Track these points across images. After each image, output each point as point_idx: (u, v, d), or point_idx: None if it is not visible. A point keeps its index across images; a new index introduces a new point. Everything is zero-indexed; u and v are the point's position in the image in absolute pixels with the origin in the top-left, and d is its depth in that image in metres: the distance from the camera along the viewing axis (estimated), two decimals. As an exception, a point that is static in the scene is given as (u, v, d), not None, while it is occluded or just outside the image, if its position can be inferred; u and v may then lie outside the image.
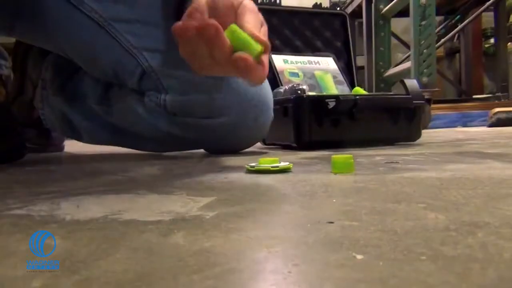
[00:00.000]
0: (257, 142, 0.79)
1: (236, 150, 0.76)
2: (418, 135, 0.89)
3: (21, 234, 0.22)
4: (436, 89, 1.86)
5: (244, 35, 0.44)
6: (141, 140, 0.75)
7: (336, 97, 0.79)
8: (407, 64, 2.04)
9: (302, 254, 0.18)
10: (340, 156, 0.43)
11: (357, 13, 2.62)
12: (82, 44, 0.69)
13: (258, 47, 0.44)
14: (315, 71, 1.11)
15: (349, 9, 2.63)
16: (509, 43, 2.62)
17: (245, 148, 0.77)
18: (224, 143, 0.72)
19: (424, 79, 1.82)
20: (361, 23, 2.54)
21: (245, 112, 0.68)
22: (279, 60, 1.09)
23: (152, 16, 0.67)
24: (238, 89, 0.66)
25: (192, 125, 0.68)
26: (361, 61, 2.45)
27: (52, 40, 0.72)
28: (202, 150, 0.81)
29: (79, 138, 0.84)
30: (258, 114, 0.70)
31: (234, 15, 0.47)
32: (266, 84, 0.72)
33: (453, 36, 2.78)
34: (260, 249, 0.18)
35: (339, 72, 1.15)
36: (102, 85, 0.75)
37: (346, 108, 0.79)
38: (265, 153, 0.76)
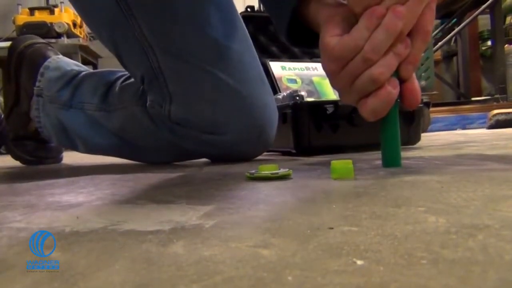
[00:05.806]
0: (259, 156, 0.78)
1: (237, 161, 0.76)
2: (418, 138, 0.89)
3: (19, 247, 0.22)
4: (435, 92, 1.86)
5: None
6: (139, 149, 0.75)
7: (334, 102, 0.79)
8: (405, 68, 2.05)
9: (301, 260, 0.17)
10: (339, 161, 0.42)
11: (354, 18, 2.62)
12: (96, 18, 0.68)
13: None
14: (313, 77, 1.12)
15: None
16: (506, 45, 2.63)
17: (246, 161, 0.77)
18: (225, 157, 0.72)
19: (422, 82, 1.82)
20: (358, 28, 2.55)
21: (249, 132, 0.67)
22: (277, 67, 1.09)
23: (177, 14, 0.62)
24: (243, 108, 0.65)
25: (193, 137, 0.67)
26: (359, 66, 2.45)
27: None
28: (202, 158, 0.81)
29: (75, 148, 0.83)
30: (261, 133, 0.69)
31: None
32: (272, 102, 0.71)
33: (450, 39, 2.79)
34: (260, 256, 0.18)
35: (337, 77, 1.15)
36: (101, 92, 0.75)
37: (345, 113, 0.79)
38: (265, 160, 0.76)
